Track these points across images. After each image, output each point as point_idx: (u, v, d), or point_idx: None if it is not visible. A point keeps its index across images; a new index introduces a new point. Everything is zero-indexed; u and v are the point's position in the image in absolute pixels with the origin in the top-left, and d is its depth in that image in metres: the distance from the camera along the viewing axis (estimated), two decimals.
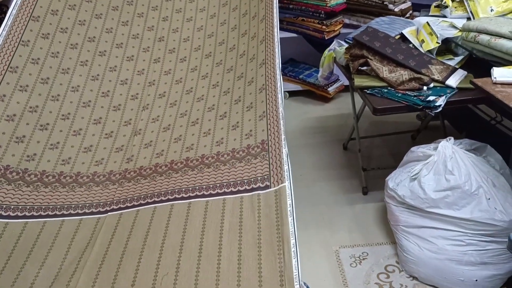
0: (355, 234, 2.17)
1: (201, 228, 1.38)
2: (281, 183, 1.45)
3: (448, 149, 1.86)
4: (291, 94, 3.67)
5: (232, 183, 1.52)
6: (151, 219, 1.44)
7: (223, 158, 1.62)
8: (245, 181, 1.51)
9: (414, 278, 1.89)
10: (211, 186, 1.52)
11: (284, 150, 1.55)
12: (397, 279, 1.89)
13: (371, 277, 1.91)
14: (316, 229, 2.21)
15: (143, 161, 1.70)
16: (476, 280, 1.75)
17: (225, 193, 1.49)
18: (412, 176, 1.91)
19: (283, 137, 1.58)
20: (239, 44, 2.05)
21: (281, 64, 3.91)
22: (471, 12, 2.27)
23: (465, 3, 2.29)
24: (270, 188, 1.45)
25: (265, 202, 1.41)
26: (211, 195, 1.49)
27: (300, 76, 3.61)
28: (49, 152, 1.71)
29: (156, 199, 1.52)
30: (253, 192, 1.46)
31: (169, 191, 1.53)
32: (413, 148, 2.02)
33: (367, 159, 2.73)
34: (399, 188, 1.93)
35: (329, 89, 3.48)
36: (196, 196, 1.49)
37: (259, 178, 1.50)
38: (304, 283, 1.85)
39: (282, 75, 3.98)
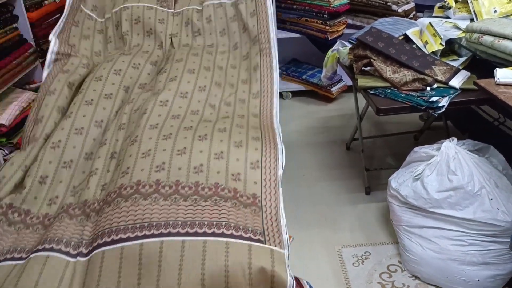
0: (357, 233, 2.18)
1: (177, 278, 1.15)
2: (280, 248, 1.22)
3: (451, 149, 1.86)
4: (294, 94, 3.68)
5: (215, 223, 1.25)
6: (120, 264, 1.20)
7: (204, 192, 1.35)
8: (232, 225, 1.25)
9: (417, 277, 1.90)
10: (188, 223, 1.25)
11: (281, 212, 1.35)
12: (399, 279, 1.90)
13: (373, 276, 1.92)
14: (318, 228, 2.22)
15: (107, 176, 1.50)
16: (478, 280, 1.76)
17: (205, 234, 1.21)
18: (415, 176, 1.91)
19: (281, 198, 1.38)
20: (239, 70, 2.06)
21: (284, 64, 3.91)
22: (474, 13, 2.27)
23: (469, 4, 2.29)
24: (265, 244, 1.23)
25: (257, 259, 1.18)
26: (187, 233, 1.22)
27: (303, 76, 3.62)
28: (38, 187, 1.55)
29: (123, 236, 1.24)
30: (242, 241, 1.21)
31: (137, 225, 1.25)
32: (416, 149, 2.03)
33: (369, 159, 2.74)
34: (402, 188, 1.94)
35: (332, 89, 3.49)
36: (170, 234, 1.22)
37: (249, 228, 1.26)
38: (307, 282, 1.86)
39: (285, 75, 4.00)
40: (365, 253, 2.05)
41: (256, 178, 1.44)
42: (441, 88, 2.01)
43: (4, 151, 1.99)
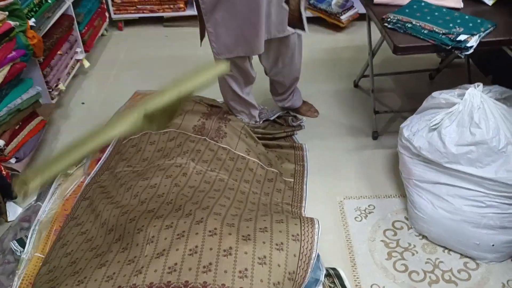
0: (362, 183, 2.00)
1: None
2: None
3: (476, 97, 1.63)
4: None
5: None
6: None
7: None
8: None
9: (424, 237, 1.74)
10: None
11: None
12: (405, 237, 1.74)
13: (377, 233, 1.76)
14: (319, 176, 2.04)
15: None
16: (493, 245, 1.60)
17: None
18: (432, 126, 1.69)
19: None
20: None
21: None
22: None
23: None
24: None
25: None
26: None
27: (311, 1, 3.28)
28: None
29: None
30: None
31: None
32: (434, 93, 1.79)
33: (378, 100, 2.49)
34: (415, 138, 1.73)
35: (341, 17, 3.16)
36: None
37: None
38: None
39: None
40: (369, 206, 1.88)
41: None
42: (471, 24, 1.73)
43: None
